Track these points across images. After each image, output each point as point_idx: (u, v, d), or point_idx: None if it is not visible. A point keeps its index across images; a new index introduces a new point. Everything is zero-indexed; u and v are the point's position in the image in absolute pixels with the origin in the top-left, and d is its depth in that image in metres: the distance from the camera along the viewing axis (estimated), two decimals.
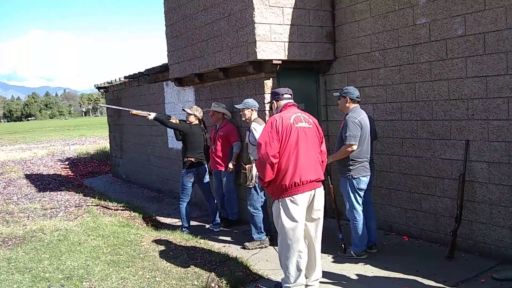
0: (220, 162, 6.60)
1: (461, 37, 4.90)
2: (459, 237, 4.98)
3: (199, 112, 6.52)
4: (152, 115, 6.44)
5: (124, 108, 8.01)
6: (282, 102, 4.18)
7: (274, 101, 4.27)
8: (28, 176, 12.65)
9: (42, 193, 9.63)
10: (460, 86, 4.95)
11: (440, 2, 5.06)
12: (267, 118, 6.01)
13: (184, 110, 6.65)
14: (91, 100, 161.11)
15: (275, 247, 5.26)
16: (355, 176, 4.92)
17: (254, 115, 5.81)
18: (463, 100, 4.94)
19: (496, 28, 4.58)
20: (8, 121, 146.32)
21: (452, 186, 5.14)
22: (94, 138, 29.26)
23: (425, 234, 5.51)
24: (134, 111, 6.72)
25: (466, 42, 4.86)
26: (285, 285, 3.97)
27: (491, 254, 4.82)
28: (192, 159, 6.36)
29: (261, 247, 5.64)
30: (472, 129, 4.89)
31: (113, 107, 8.42)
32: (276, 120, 3.91)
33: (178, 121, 6.51)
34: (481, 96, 4.77)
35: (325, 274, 4.48)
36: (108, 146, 16.02)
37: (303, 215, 3.88)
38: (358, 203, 4.99)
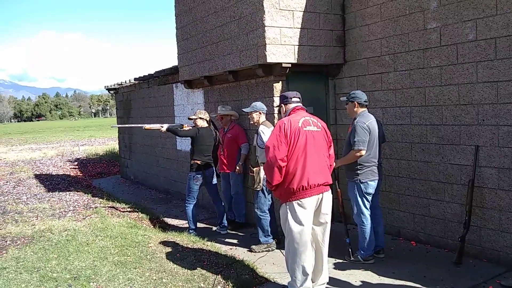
0: (229, 164, 6.61)
1: (472, 42, 4.87)
2: (467, 243, 4.94)
3: (203, 114, 6.50)
4: (164, 127, 6.41)
5: (136, 125, 8.07)
6: (291, 106, 4.18)
7: (282, 104, 4.27)
8: (37, 176, 12.74)
9: (51, 193, 9.69)
10: (471, 91, 4.92)
11: (451, 6, 5.04)
12: (275, 121, 6.01)
13: (190, 119, 6.66)
14: (101, 101, 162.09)
15: (282, 251, 5.26)
16: (363, 180, 4.90)
17: (262, 118, 5.81)
18: (473, 105, 4.91)
19: (507, 33, 4.54)
20: (18, 121, 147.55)
21: (461, 191, 5.10)
22: (103, 139, 29.44)
23: (433, 239, 5.47)
24: (147, 126, 6.69)
25: (477, 47, 4.83)
26: None
27: (500, 260, 4.78)
28: (199, 162, 6.36)
29: (268, 250, 5.63)
30: (482, 135, 4.85)
31: (125, 125, 8.54)
32: (285, 123, 3.91)
33: (189, 128, 6.50)
34: (491, 102, 4.74)
35: (332, 278, 4.46)
36: (117, 147, 16.10)
37: (310, 219, 3.87)
38: (366, 207, 4.97)
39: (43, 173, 13.62)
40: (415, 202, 5.64)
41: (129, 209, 8.08)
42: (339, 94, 6.55)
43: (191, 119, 6.57)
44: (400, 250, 5.43)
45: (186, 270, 4.82)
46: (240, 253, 5.60)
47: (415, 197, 5.63)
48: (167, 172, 10.07)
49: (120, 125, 9.73)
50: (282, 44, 5.87)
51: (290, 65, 5.96)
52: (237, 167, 6.49)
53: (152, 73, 10.07)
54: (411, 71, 5.54)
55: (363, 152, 4.80)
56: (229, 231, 6.65)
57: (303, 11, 6.03)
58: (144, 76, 10.54)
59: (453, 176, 5.18)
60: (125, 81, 11.86)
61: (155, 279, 4.54)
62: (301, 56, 6.03)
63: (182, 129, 6.45)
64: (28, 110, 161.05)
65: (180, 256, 5.27)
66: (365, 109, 5.03)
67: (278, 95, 6.03)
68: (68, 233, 6.00)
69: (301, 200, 3.82)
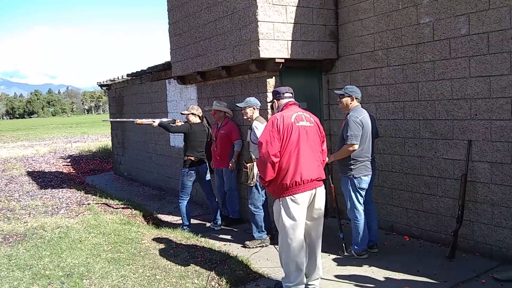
0: (222, 160, 6.60)
1: (464, 37, 4.88)
2: (460, 238, 4.96)
3: (196, 110, 6.47)
4: (156, 122, 6.37)
5: (128, 120, 8.04)
6: (283, 101, 4.17)
7: (275, 100, 4.26)
8: (30, 173, 12.66)
9: (43, 190, 9.64)
10: (463, 86, 4.93)
11: (443, 1, 5.03)
12: (269, 116, 5.99)
13: (182, 114, 6.63)
14: (94, 98, 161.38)
15: (276, 246, 5.26)
16: (356, 176, 4.91)
17: (256, 113, 5.80)
18: (466, 100, 4.92)
19: (500, 28, 4.55)
20: (10, 118, 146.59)
21: (454, 186, 5.12)
22: (96, 136, 29.30)
23: (426, 234, 5.49)
24: (139, 121, 6.65)
25: (469, 41, 4.83)
26: (285, 284, 3.96)
27: (492, 254, 4.80)
28: (192, 158, 6.34)
29: (262, 246, 5.63)
30: (474, 129, 4.87)
31: (117, 120, 8.55)
32: (277, 119, 3.90)
33: (182, 123, 6.47)
34: (484, 96, 4.75)
35: (326, 273, 4.48)
36: (110, 143, 16.04)
37: (303, 214, 3.87)
38: (359, 202, 4.98)
39: (36, 170, 13.54)
40: (408, 196, 5.65)
41: (122, 206, 8.06)
42: (333, 89, 6.55)
43: (184, 114, 6.54)
44: (393, 245, 5.45)
45: (180, 267, 4.81)
46: (234, 249, 5.60)
47: (408, 192, 5.65)
48: (161, 169, 10.04)
49: (112, 120, 9.68)
50: (275, 39, 5.85)
51: (283, 61, 5.94)
52: (230, 164, 6.48)
53: (145, 69, 10.01)
54: (404, 66, 5.55)
55: (356, 147, 4.80)
56: (223, 227, 6.65)
57: (296, 6, 6.01)
58: (136, 72, 10.47)
59: (446, 171, 5.20)
60: (118, 77, 11.78)
61: (149, 276, 4.52)
62: (294, 51, 6.02)
63: (174, 125, 6.42)
64: (20, 107, 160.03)
65: (174, 252, 5.26)
66: (359, 104, 5.03)
67: (272, 90, 6.01)
68: (61, 230, 5.96)
69: (294, 195, 3.81)
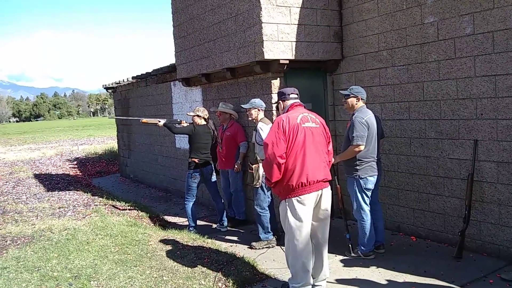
0: (227, 162, 6.61)
1: (469, 36, 4.87)
2: (467, 238, 4.95)
3: (201, 112, 6.49)
4: (161, 122, 6.40)
5: (134, 118, 8.06)
6: (289, 102, 4.17)
7: (280, 101, 4.27)
8: (37, 176, 12.73)
9: (50, 193, 9.69)
10: (469, 85, 4.92)
11: (448, 1, 5.02)
12: (274, 118, 6.00)
13: (188, 115, 6.66)
14: (99, 101, 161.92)
15: (282, 247, 5.26)
16: (362, 176, 4.91)
17: (261, 115, 5.81)
18: (472, 99, 4.91)
19: (505, 27, 4.54)
20: (17, 121, 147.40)
21: (460, 186, 5.10)
22: (102, 138, 29.41)
23: (433, 234, 5.47)
24: (144, 119, 6.72)
25: (474, 41, 4.82)
26: (292, 285, 3.97)
27: (500, 254, 4.78)
28: (196, 160, 6.35)
29: (268, 247, 5.64)
30: (480, 129, 4.85)
31: (123, 117, 8.52)
32: (283, 120, 3.90)
33: (187, 125, 6.49)
34: (489, 96, 4.74)
35: (332, 274, 4.47)
36: (116, 146, 16.09)
37: (310, 215, 3.88)
38: (366, 203, 4.98)
39: (43, 172, 13.61)
40: (415, 197, 5.64)
41: (129, 208, 8.09)
42: (337, 90, 6.54)
43: (190, 115, 6.57)
44: (400, 245, 5.44)
45: (186, 268, 4.83)
46: (241, 250, 5.61)
47: (415, 192, 5.64)
48: (167, 170, 10.07)
49: (117, 117, 9.70)
50: (279, 40, 5.86)
51: (287, 62, 5.95)
52: (236, 166, 6.49)
53: (150, 71, 10.04)
54: (409, 66, 5.54)
55: (362, 147, 4.80)
56: (229, 228, 6.66)
57: (300, 7, 6.01)
58: (142, 74, 10.51)
59: (452, 171, 5.18)
60: (123, 80, 11.83)
61: (156, 277, 4.54)
62: (298, 52, 6.02)
63: (179, 126, 6.44)
64: (26, 110, 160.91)
65: (181, 253, 5.28)
66: (364, 104, 5.03)
67: (276, 91, 6.01)
68: (68, 232, 6.00)
69: (300, 196, 3.82)
